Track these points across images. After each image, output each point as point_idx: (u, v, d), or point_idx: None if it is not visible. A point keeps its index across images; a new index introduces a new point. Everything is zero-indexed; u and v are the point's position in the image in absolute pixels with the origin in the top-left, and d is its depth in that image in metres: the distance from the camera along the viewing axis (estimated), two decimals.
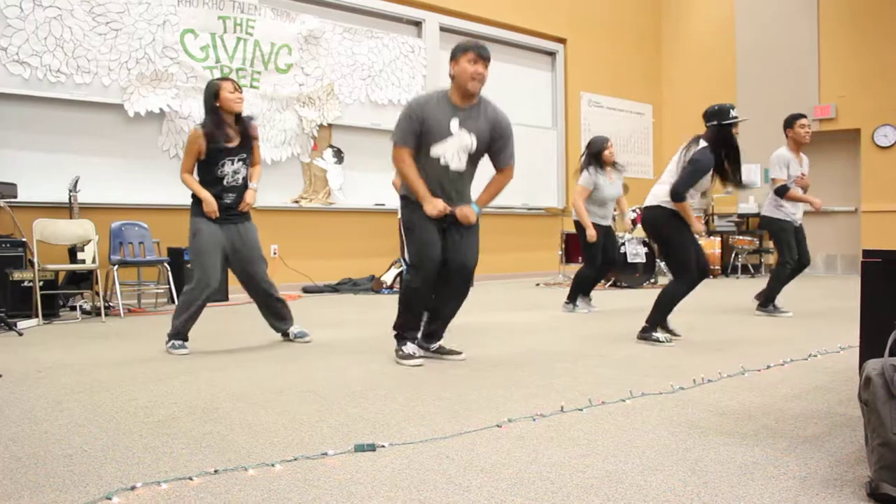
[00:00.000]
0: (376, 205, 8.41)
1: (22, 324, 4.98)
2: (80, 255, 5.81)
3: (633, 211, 7.78)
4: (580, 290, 5.88)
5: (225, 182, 3.98)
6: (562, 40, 10.62)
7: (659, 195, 4.20)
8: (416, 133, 3.44)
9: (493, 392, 2.91)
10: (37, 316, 5.27)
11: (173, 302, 6.17)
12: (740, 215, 10.66)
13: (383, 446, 2.17)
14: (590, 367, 3.47)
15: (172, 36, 6.91)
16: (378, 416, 2.54)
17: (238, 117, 4.02)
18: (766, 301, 5.57)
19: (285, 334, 4.31)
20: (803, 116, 5.49)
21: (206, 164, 3.97)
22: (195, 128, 3.97)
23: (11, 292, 5.34)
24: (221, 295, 6.60)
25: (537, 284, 8.85)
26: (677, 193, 4.02)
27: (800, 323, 5.11)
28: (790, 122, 5.47)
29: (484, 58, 3.42)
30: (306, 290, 7.74)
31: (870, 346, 2.27)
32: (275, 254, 7.57)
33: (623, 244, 7.87)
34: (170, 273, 6.22)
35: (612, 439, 2.24)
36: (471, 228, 3.60)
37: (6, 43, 6.05)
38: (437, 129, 3.44)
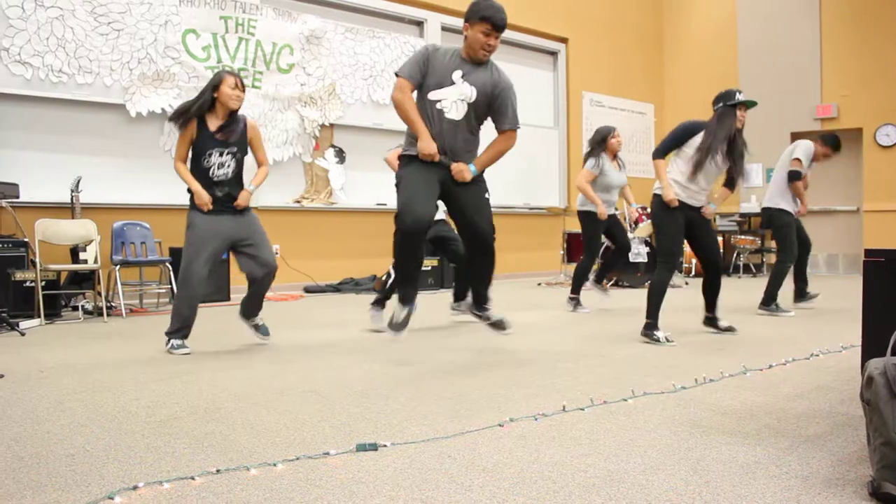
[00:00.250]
0: (378, 205, 8.41)
1: (24, 324, 4.99)
2: (81, 256, 5.81)
3: (642, 209, 7.77)
4: (580, 282, 5.86)
5: (211, 174, 3.91)
6: (563, 40, 10.62)
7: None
8: (422, 73, 3.48)
9: (494, 392, 2.91)
10: (39, 316, 5.28)
11: None
12: (742, 215, 10.64)
13: (385, 446, 2.17)
14: (591, 366, 3.47)
15: (174, 36, 6.91)
16: (380, 415, 2.54)
17: (233, 114, 4.00)
18: (768, 300, 5.57)
19: (255, 325, 4.23)
20: (838, 150, 5.79)
21: (195, 155, 3.94)
22: None
23: (14, 292, 5.34)
24: (222, 295, 6.61)
25: (539, 284, 8.84)
26: (655, 151, 4.42)
27: (802, 322, 5.11)
28: (829, 141, 5.76)
29: (498, 31, 3.44)
30: (308, 290, 7.74)
31: (872, 345, 2.28)
32: (276, 254, 7.57)
33: None
34: (172, 273, 6.22)
35: (613, 439, 2.25)
36: (478, 194, 3.58)
37: (8, 43, 6.05)
38: (441, 73, 3.48)
